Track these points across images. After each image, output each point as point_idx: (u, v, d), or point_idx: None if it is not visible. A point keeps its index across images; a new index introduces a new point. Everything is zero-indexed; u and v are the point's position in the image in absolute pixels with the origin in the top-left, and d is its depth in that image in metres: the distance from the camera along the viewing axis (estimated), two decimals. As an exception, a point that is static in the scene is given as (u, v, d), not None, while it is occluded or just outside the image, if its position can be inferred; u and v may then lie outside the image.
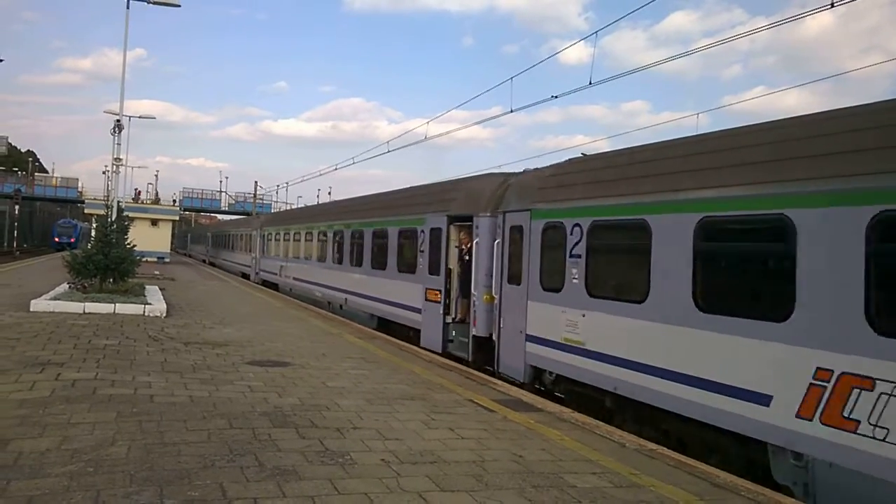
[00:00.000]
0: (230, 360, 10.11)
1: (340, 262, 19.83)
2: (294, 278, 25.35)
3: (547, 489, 5.34)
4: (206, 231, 65.43)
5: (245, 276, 36.46)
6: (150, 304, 15.67)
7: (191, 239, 78.58)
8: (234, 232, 44.39)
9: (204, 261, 57.33)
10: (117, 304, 15.05)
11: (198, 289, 25.16)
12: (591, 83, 14.55)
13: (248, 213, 65.65)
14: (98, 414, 6.62)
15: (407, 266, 15.04)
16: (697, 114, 29.45)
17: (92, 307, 14.71)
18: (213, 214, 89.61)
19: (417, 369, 10.51)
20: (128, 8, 22.78)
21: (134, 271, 19.44)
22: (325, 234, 21.84)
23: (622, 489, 5.50)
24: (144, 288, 19.15)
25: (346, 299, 18.92)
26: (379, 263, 16.67)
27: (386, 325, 16.04)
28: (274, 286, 28.74)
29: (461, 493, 5.13)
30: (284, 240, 28.01)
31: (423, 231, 14.00)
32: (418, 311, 13.98)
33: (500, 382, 10.09)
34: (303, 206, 33.41)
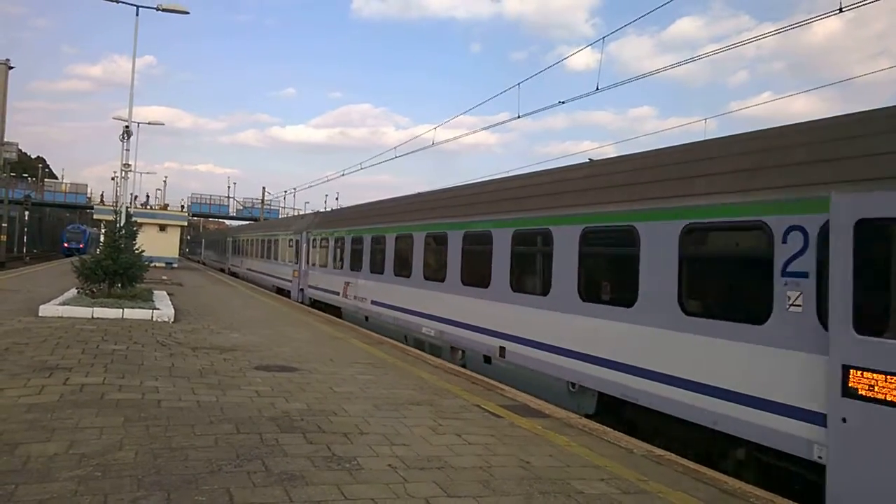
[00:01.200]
0: (238, 365, 10.13)
1: (485, 284, 11.76)
2: (375, 302, 17.26)
3: (554, 495, 5.32)
4: (226, 235, 54.18)
5: (281, 291, 28.33)
6: (158, 309, 15.73)
7: (205, 244, 70.63)
8: (265, 236, 34.79)
9: (223, 270, 49.25)
10: (125, 310, 15.12)
11: (206, 294, 25.24)
12: (597, 89, 14.53)
13: (255, 219, 65.53)
14: (106, 419, 6.64)
15: (732, 307, 7.22)
16: (705, 119, 29.31)
17: (100, 312, 14.77)
18: (221, 220, 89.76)
19: (425, 374, 10.50)
20: (137, 15, 23.05)
21: (142, 276, 19.58)
22: (441, 239, 13.80)
23: (630, 495, 5.46)
24: (152, 293, 19.23)
25: (501, 348, 11.14)
26: (609, 293, 9.09)
27: (622, 415, 8.63)
28: (332, 310, 20.81)
29: (468, 499, 5.11)
30: (355, 246, 19.36)
31: (809, 228, 6.23)
32: (816, 419, 5.99)
33: (507, 388, 9.98)
34: (391, 197, 20.52)
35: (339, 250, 21.11)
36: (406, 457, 6.06)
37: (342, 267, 20.29)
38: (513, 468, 5.96)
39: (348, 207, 22.62)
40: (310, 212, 28.50)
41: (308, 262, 24.73)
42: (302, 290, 25.16)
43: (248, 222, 64.20)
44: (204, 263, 63.69)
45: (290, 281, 27.01)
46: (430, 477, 5.55)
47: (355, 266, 19.10)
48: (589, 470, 6.08)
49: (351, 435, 6.67)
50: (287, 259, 28.13)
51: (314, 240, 24.20)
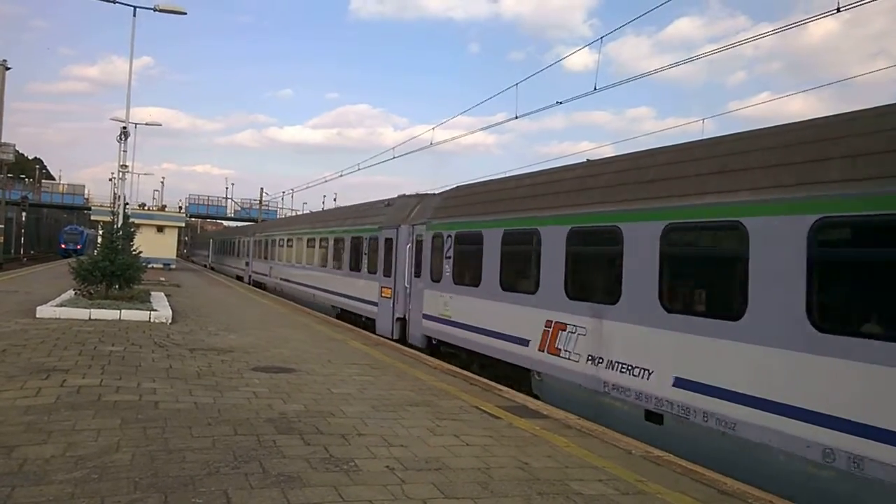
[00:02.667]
0: (235, 367, 10.11)
1: None
2: (694, 386, 7.35)
3: (553, 496, 5.31)
4: (245, 233, 41.65)
5: (346, 317, 19.46)
6: (155, 310, 15.71)
7: (214, 246, 58.56)
8: (316, 234, 24.57)
9: (240, 278, 39.89)
10: (123, 311, 15.10)
11: (203, 295, 25.20)
12: (595, 89, 14.51)
13: (253, 220, 65.23)
14: (103, 420, 6.62)
15: None
16: (703, 119, 29.38)
17: (98, 313, 14.75)
18: (218, 221, 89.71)
19: (423, 375, 10.49)
20: (134, 16, 22.99)
21: (139, 278, 19.55)
22: None
23: (629, 496, 5.46)
24: (150, 294, 19.21)
25: None
26: None
27: None
28: (505, 371, 11.20)
29: (466, 501, 5.10)
30: (577, 247, 9.76)
31: None
32: None
33: (505, 389, 10.00)
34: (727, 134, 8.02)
35: (522, 259, 11.39)
36: (404, 458, 6.04)
37: (535, 290, 10.53)
38: (511, 469, 5.94)
39: (543, 172, 12.06)
40: (403, 194, 18.10)
41: (422, 276, 14.86)
42: (403, 318, 15.85)
43: (283, 217, 55.24)
44: (213, 268, 54.39)
45: (375, 304, 17.51)
46: (428, 478, 5.54)
47: (590, 292, 9.57)
48: (587, 471, 6.08)
49: (348, 436, 6.65)
50: (363, 268, 18.74)
51: (443, 237, 13.93)
